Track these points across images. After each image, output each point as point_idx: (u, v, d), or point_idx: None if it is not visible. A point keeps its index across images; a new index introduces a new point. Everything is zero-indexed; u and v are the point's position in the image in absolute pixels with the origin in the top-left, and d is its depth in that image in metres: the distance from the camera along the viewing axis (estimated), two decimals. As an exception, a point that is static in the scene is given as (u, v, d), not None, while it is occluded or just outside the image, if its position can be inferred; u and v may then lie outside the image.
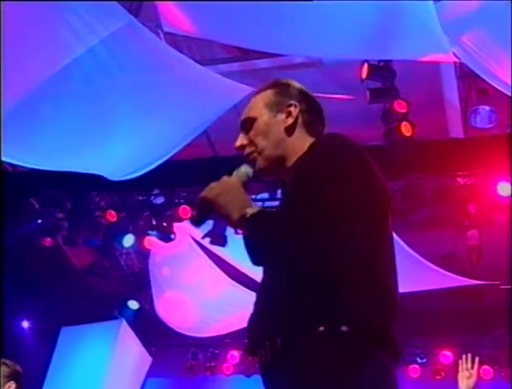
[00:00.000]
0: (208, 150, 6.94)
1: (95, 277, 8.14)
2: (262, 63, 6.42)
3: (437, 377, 8.33)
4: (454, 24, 4.58)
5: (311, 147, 1.93)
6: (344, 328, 1.70)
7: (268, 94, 2.03)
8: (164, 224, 6.96)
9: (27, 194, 7.28)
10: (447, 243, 7.05)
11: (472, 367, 4.46)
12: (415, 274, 6.76)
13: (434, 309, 7.30)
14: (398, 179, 6.42)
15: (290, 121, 1.97)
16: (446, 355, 8.21)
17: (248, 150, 2.00)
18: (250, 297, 1.97)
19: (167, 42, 5.42)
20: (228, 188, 1.91)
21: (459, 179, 6.37)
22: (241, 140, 2.02)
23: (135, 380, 8.60)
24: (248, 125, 2.01)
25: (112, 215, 7.08)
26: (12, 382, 3.70)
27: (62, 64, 4.34)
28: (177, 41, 5.87)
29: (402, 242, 6.58)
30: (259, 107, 2.01)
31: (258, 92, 2.07)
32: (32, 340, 8.12)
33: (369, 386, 1.70)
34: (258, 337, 1.82)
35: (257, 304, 1.88)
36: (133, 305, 8.45)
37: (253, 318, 1.86)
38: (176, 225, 6.97)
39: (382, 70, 5.60)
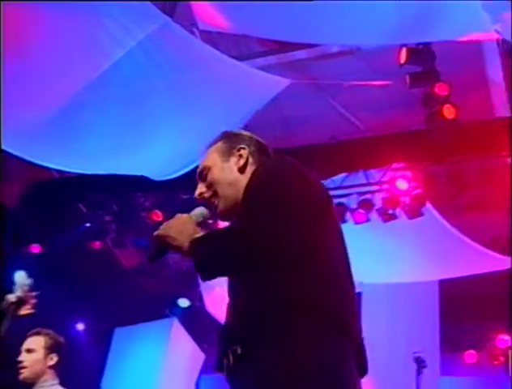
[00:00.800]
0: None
1: (144, 277, 8.25)
2: (299, 54, 6.39)
3: (495, 362, 8.19)
4: (495, 2, 4.48)
5: (252, 174, 2.11)
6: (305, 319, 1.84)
7: (220, 144, 2.21)
8: (210, 222, 6.99)
9: (74, 199, 7.42)
10: (497, 225, 6.91)
11: None
12: (466, 258, 6.66)
13: (489, 293, 7.16)
14: (442, 163, 6.32)
15: (241, 162, 2.16)
16: (503, 339, 8.07)
17: (206, 195, 2.18)
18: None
19: (203, 40, 5.43)
20: (178, 222, 2.09)
21: (507, 159, 6.23)
22: (200, 189, 2.20)
23: (189, 377, 8.69)
24: (204, 174, 2.19)
25: (157, 215, 7.16)
26: (55, 354, 3.67)
27: (103, 69, 4.41)
28: (213, 38, 5.89)
29: (450, 227, 6.49)
30: (213, 157, 2.19)
31: (210, 145, 2.24)
32: (86, 342, 8.28)
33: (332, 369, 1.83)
34: (223, 347, 1.96)
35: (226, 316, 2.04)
36: (183, 302, 8.53)
37: (220, 330, 2.03)
38: (221, 224, 6.99)
39: (421, 54, 5.51)
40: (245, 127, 5.97)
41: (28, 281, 3.15)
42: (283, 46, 6.32)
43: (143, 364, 8.12)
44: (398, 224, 6.52)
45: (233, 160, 2.17)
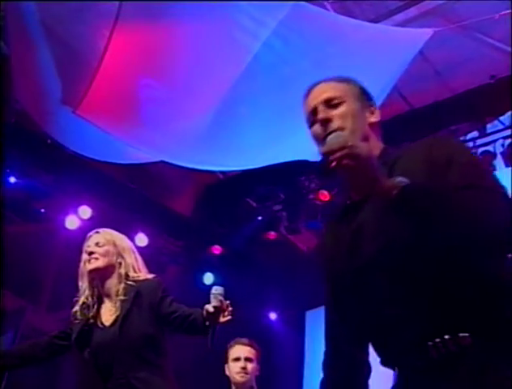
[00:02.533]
0: (403, 105, 6.76)
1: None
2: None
3: None
4: None
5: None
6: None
7: (354, 87, 2.00)
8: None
9: (242, 195, 7.68)
10: None
11: None
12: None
13: None
14: None
15: (373, 119, 1.96)
16: None
17: (335, 124, 1.90)
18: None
19: (336, 11, 5.38)
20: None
21: None
22: (326, 113, 1.92)
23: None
24: (335, 103, 1.94)
25: (324, 195, 7.20)
26: None
27: (245, 64, 4.51)
28: (347, 6, 5.80)
29: None
30: (347, 94, 1.96)
31: (340, 81, 2.01)
32: (281, 330, 8.54)
33: None
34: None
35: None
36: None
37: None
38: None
39: None
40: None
41: (220, 290, 3.28)
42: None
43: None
44: None
45: (366, 112, 1.96)
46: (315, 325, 8.41)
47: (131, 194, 7.16)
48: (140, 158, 5.59)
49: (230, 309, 3.25)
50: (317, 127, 1.94)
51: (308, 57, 4.85)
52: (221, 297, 3.23)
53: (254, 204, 7.67)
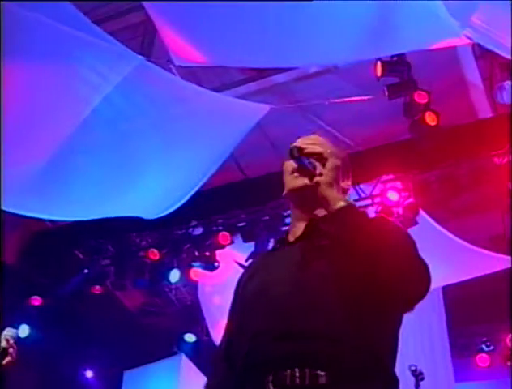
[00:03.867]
0: (238, 174, 7.03)
1: (149, 316, 8.28)
2: (279, 78, 6.52)
3: (508, 363, 8.18)
4: (461, 6, 4.59)
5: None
6: None
7: (342, 157, 2.10)
8: (207, 253, 7.07)
9: (70, 246, 7.48)
10: (494, 225, 6.98)
11: None
12: (466, 262, 6.71)
13: (493, 293, 7.21)
14: (432, 169, 6.41)
15: (345, 186, 2.10)
16: (514, 338, 8.08)
17: (310, 150, 2.00)
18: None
19: (182, 74, 5.54)
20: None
21: (495, 159, 6.33)
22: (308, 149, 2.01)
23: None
24: (318, 156, 2.00)
25: (154, 254, 7.22)
26: None
27: (83, 117, 4.50)
28: (193, 72, 6.00)
29: (446, 232, 6.55)
30: (334, 158, 2.02)
31: (330, 148, 2.07)
32: (98, 388, 8.27)
33: None
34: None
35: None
36: (190, 338, 8.55)
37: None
38: (218, 253, 7.07)
39: (396, 65, 5.63)
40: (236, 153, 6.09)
41: (12, 332, 3.27)
42: (262, 72, 6.45)
43: (156, 404, 8.11)
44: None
45: (343, 177, 2.07)
46: (133, 385, 8.25)
47: None
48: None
49: (14, 352, 3.23)
50: (292, 162, 2.04)
51: (148, 116, 4.94)
52: (11, 339, 3.22)
53: (81, 256, 7.49)
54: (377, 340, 1.85)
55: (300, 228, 2.07)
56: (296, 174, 2.03)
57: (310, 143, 2.04)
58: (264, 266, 2.09)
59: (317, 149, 2.00)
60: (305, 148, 1.99)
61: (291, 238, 2.09)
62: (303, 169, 1.98)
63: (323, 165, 1.95)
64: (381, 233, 1.86)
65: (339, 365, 1.77)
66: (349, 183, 2.13)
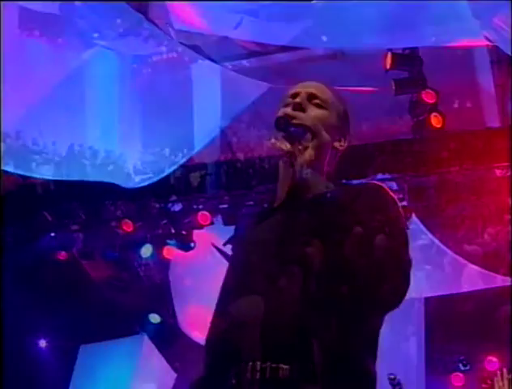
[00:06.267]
0: (228, 152, 6.99)
1: (114, 291, 8.22)
2: (283, 57, 6.47)
3: (483, 385, 8.23)
4: (484, 7, 4.58)
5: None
6: None
7: (340, 106, 2.08)
8: (184, 232, 7.02)
9: (39, 206, 7.39)
10: (487, 239, 7.01)
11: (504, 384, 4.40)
12: (454, 275, 6.74)
13: (477, 312, 7.25)
14: (430, 174, 6.41)
15: (339, 146, 2.05)
16: (492, 361, 8.14)
17: (303, 121, 1.98)
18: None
19: (180, 38, 5.47)
20: None
21: (497, 171, 6.33)
22: (304, 102, 1.99)
23: (160, 398, 8.66)
24: (316, 102, 2.01)
25: (128, 225, 7.15)
26: None
27: (72, 67, 4.43)
28: (192, 38, 5.93)
29: (437, 241, 6.56)
30: (331, 105, 2.03)
31: (331, 91, 2.08)
32: (49, 360, 8.22)
33: None
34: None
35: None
36: (154, 318, 8.51)
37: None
38: (196, 233, 7.03)
39: (408, 59, 5.61)
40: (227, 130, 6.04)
41: None
42: (266, 48, 6.40)
43: (110, 384, 8.08)
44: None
45: (337, 135, 2.04)
46: (88, 361, 8.22)
47: None
48: None
49: None
50: (287, 109, 1.99)
51: (141, 79, 4.88)
52: None
53: (50, 218, 7.40)
54: (349, 338, 1.82)
55: (283, 189, 2.03)
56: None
57: (312, 91, 2.01)
58: (249, 246, 2.03)
59: (305, 122, 1.97)
60: (293, 118, 1.96)
61: (276, 202, 2.06)
62: (289, 138, 1.93)
63: (311, 138, 1.94)
64: (355, 233, 1.81)
65: (304, 360, 1.76)
66: (343, 144, 2.06)
